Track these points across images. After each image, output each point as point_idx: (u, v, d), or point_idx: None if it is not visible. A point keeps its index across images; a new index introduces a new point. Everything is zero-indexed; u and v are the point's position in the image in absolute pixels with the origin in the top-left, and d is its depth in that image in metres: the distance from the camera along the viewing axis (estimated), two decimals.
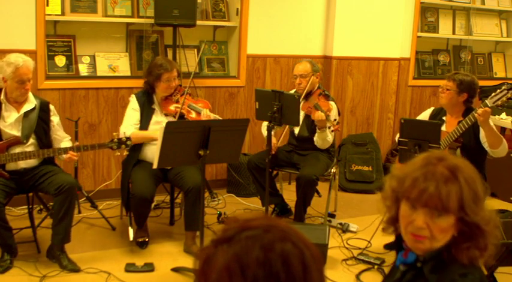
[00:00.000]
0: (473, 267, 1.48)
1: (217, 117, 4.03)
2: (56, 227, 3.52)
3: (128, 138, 3.63)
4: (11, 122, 3.53)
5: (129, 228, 4.03)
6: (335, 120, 4.01)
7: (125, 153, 3.99)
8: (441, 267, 1.49)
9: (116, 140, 3.59)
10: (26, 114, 3.57)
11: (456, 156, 1.56)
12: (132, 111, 3.99)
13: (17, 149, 3.51)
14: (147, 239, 3.95)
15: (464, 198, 1.44)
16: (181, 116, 4.03)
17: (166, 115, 4.04)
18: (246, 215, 1.11)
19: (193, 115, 4.05)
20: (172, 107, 4.02)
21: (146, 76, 4.02)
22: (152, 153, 3.74)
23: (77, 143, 3.67)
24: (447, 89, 3.80)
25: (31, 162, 3.58)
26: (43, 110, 3.63)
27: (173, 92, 4.03)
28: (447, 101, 3.83)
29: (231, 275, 0.99)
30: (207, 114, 3.99)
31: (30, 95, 3.62)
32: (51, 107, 3.71)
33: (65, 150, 3.53)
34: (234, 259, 1.00)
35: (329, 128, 4.03)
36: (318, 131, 4.16)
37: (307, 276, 1.02)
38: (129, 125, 3.94)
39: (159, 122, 3.90)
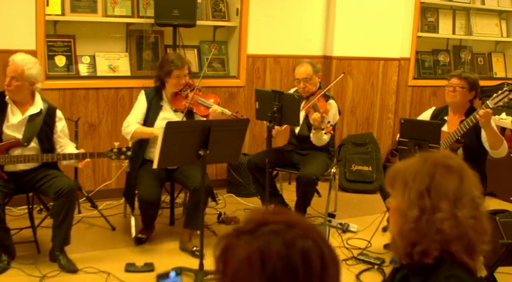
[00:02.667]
0: (460, 269, 1.43)
1: (226, 111, 4.04)
2: (56, 229, 3.52)
3: (128, 149, 3.63)
4: (14, 124, 3.53)
5: (132, 221, 4.01)
6: (329, 122, 3.99)
7: (124, 164, 3.97)
8: (427, 268, 1.46)
9: (115, 149, 3.59)
10: (32, 118, 3.55)
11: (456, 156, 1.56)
12: (139, 107, 4.03)
13: (17, 151, 3.51)
14: (145, 237, 3.96)
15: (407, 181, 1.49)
16: (190, 111, 4.04)
17: (176, 111, 4.06)
18: (261, 210, 1.14)
19: (201, 109, 4.08)
20: (181, 103, 4.04)
21: (158, 70, 4.06)
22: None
23: (82, 150, 3.60)
24: (461, 87, 3.77)
25: (30, 164, 3.57)
26: (49, 115, 3.62)
27: (182, 88, 4.05)
28: (460, 99, 3.79)
29: (251, 266, 1.02)
30: (214, 109, 4.02)
31: (38, 98, 3.61)
32: (58, 112, 3.69)
33: (70, 156, 3.51)
34: (256, 251, 1.03)
35: (322, 130, 4.03)
36: (313, 131, 4.18)
37: (325, 274, 1.05)
38: (135, 120, 3.97)
39: (166, 119, 3.87)
